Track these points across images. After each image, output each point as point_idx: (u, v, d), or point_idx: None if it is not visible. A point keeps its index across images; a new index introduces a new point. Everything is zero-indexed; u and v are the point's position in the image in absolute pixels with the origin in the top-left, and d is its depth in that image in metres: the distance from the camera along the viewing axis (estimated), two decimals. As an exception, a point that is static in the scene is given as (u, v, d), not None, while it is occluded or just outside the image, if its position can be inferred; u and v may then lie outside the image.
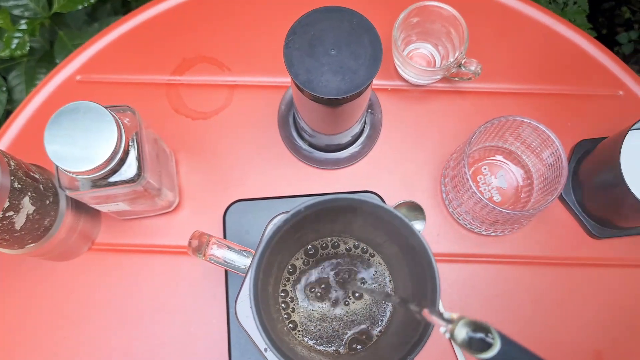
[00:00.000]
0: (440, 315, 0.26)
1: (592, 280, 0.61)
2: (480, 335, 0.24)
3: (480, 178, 0.61)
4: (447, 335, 0.25)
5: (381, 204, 0.33)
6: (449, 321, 0.26)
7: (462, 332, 0.25)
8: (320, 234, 0.43)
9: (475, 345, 0.24)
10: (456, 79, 0.63)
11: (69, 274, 0.60)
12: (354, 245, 0.44)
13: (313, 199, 0.32)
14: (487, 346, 0.24)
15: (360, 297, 0.44)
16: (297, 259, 0.44)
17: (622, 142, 0.53)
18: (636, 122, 0.54)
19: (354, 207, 0.35)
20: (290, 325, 0.42)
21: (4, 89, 0.97)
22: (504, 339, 0.24)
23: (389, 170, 0.63)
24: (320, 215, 0.35)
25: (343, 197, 0.33)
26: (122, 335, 0.59)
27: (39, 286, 0.60)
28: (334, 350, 0.42)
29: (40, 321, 0.59)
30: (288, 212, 0.33)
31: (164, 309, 0.59)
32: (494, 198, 0.61)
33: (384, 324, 0.43)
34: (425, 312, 0.28)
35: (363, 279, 0.44)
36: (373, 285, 0.44)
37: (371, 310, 0.43)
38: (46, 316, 0.59)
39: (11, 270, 0.60)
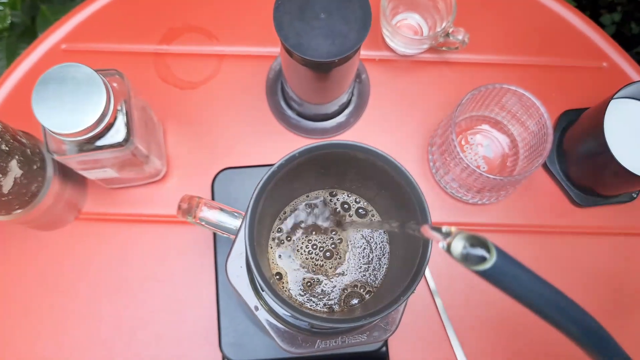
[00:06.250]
0: (438, 230, 0.26)
1: (575, 248, 0.62)
2: (477, 249, 0.24)
3: (467, 147, 0.62)
4: (445, 248, 0.25)
5: (374, 148, 0.34)
6: (447, 234, 0.25)
7: (459, 246, 0.25)
8: (312, 187, 0.44)
9: (471, 259, 0.24)
10: (444, 48, 0.63)
11: (55, 244, 0.60)
12: (347, 195, 0.45)
13: (305, 145, 0.33)
14: (483, 260, 0.24)
15: (349, 250, 0.44)
16: (287, 213, 0.44)
17: (606, 110, 0.54)
18: (619, 90, 0.55)
19: (347, 153, 0.35)
20: (277, 277, 0.43)
21: (-16, 64, 0.96)
22: (501, 253, 0.24)
23: (376, 140, 0.63)
24: (312, 164, 0.36)
25: (337, 142, 0.33)
26: (110, 304, 0.59)
27: (26, 256, 0.60)
28: (327, 308, 0.42)
29: (27, 291, 0.59)
30: (282, 158, 0.33)
31: (152, 278, 0.59)
32: (481, 167, 0.61)
33: (380, 276, 0.43)
34: (424, 228, 0.28)
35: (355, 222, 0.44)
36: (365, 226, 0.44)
37: (365, 261, 0.44)
38: (33, 285, 0.59)
39: (-3, 239, 0.60)
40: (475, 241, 0.25)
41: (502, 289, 0.25)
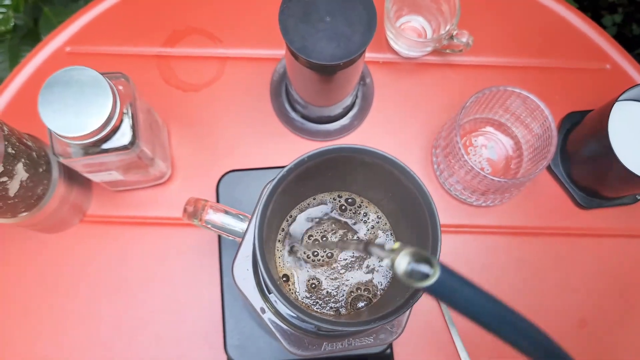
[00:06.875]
0: (382, 247, 0.26)
1: (579, 249, 0.62)
2: (421, 265, 0.24)
3: (471, 149, 0.62)
4: (389, 265, 0.25)
5: (383, 152, 0.34)
6: (390, 252, 0.25)
7: (403, 262, 0.24)
8: (319, 189, 0.44)
9: (415, 275, 0.24)
10: (447, 51, 0.63)
11: (60, 246, 0.60)
12: (354, 198, 0.45)
13: (314, 149, 0.33)
14: (427, 276, 0.24)
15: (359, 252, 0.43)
16: (294, 215, 0.44)
17: (610, 112, 0.54)
18: (623, 92, 0.55)
19: (355, 157, 0.35)
20: (284, 279, 0.43)
21: (-13, 67, 0.96)
22: (444, 269, 0.24)
23: (380, 142, 0.63)
24: (320, 167, 0.36)
25: (346, 146, 0.33)
26: (113, 306, 0.59)
27: (30, 258, 0.60)
28: (334, 310, 0.42)
29: (27, 291, 0.59)
30: (291, 162, 0.33)
31: (156, 280, 0.60)
32: (485, 169, 0.61)
33: (387, 278, 0.43)
34: (368, 246, 0.29)
35: (358, 236, 0.44)
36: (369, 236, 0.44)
37: (372, 263, 0.44)
38: (34, 286, 0.59)
39: (1, 242, 0.60)
40: (420, 257, 0.25)
41: (447, 303, 0.25)
